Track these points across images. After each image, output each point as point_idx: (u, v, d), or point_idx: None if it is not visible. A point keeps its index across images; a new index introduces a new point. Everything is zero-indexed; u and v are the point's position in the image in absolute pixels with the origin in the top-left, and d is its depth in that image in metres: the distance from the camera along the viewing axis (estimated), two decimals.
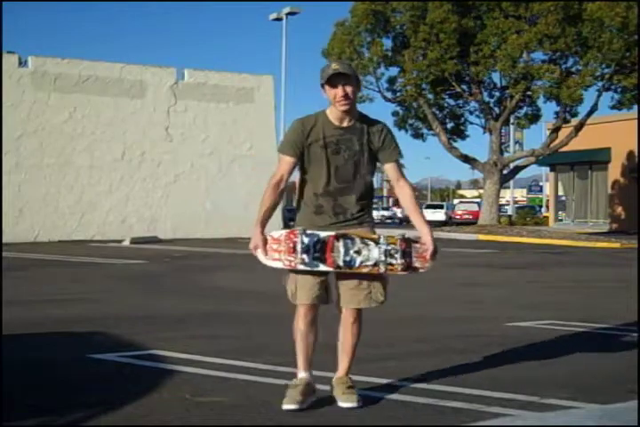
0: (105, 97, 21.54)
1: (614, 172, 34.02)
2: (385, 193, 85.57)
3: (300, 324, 4.13)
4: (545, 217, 42.32)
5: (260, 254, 4.05)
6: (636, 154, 31.54)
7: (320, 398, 4.16)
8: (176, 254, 15.68)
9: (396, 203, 65.30)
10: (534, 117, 28.03)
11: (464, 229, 26.80)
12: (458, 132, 28.93)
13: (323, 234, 4.00)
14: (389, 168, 4.19)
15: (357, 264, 3.97)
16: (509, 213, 46.15)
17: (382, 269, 3.98)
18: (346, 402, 4.05)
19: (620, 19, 22.48)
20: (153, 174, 22.09)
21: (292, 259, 3.95)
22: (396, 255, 3.99)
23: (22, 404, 4.13)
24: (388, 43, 26.53)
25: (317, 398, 4.12)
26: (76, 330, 6.51)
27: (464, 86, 27.00)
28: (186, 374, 4.81)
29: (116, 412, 3.97)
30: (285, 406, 3.98)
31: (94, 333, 6.34)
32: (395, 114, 29.03)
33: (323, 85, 4.06)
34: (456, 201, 61.95)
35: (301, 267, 3.96)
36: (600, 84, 24.95)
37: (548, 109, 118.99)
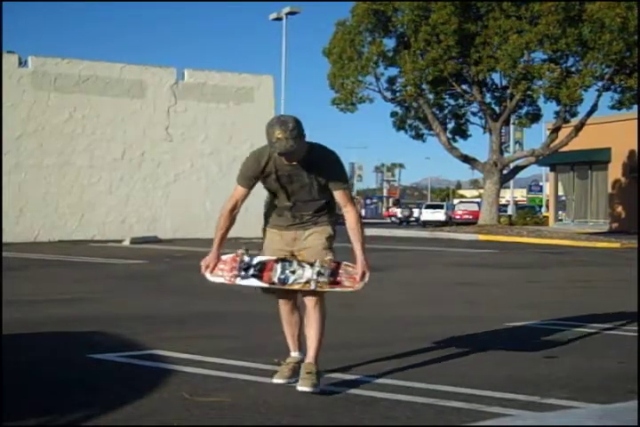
0: (105, 97, 21.52)
1: (614, 172, 34.02)
2: (385, 193, 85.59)
3: (282, 311, 4.70)
4: (545, 217, 42.33)
5: (206, 273, 4.53)
6: (636, 154, 31.55)
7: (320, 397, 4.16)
8: (176, 254, 15.68)
9: (396, 203, 65.32)
10: (534, 117, 28.04)
11: (464, 229, 26.80)
12: (458, 133, 28.94)
13: (265, 258, 4.45)
14: (337, 195, 4.52)
15: (290, 281, 4.30)
16: (509, 213, 46.14)
17: (312, 286, 4.27)
18: (302, 386, 4.32)
19: (620, 19, 22.49)
20: (153, 174, 22.09)
21: (231, 275, 4.40)
22: (324, 273, 4.29)
23: (22, 404, 4.13)
24: (389, 43, 26.58)
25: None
26: (76, 330, 6.51)
27: (464, 86, 27.01)
28: (186, 374, 4.81)
29: (115, 412, 3.97)
30: (274, 380, 4.48)
31: (94, 333, 6.34)
32: (394, 114, 29.05)
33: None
34: (456, 201, 61.94)
35: (238, 280, 4.40)
36: (600, 84, 24.97)
37: (549, 109, 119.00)
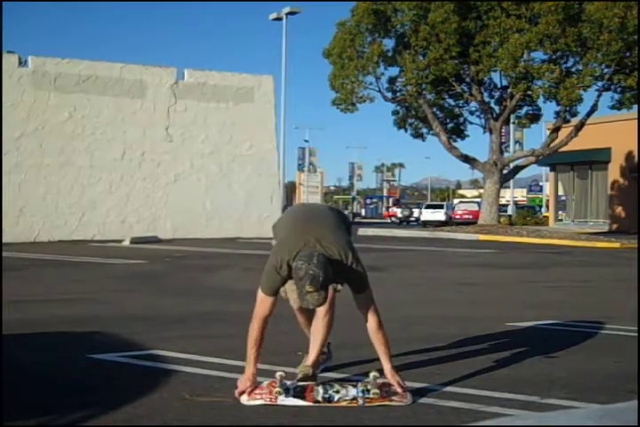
0: (105, 97, 21.54)
1: (614, 172, 34.01)
2: (385, 193, 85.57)
3: (301, 321, 4.78)
4: (545, 217, 42.31)
5: (242, 397, 4.19)
6: (636, 154, 31.54)
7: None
8: (176, 254, 15.67)
9: (396, 203, 65.31)
10: (534, 117, 28.03)
11: (464, 229, 26.78)
12: (458, 132, 28.94)
13: (303, 383, 4.30)
14: (356, 299, 4.34)
15: (336, 399, 4.16)
16: (509, 212, 46.13)
17: (361, 401, 4.13)
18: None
19: (618, 19, 22.49)
20: (153, 174, 22.09)
21: (272, 397, 4.15)
22: (370, 389, 4.14)
23: (22, 404, 4.13)
24: (389, 43, 26.58)
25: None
26: (76, 330, 6.51)
27: (464, 86, 27.00)
28: (186, 374, 4.81)
29: (116, 412, 3.97)
30: (299, 377, 4.44)
31: (94, 333, 6.34)
32: (395, 112, 29.05)
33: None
34: (456, 201, 61.91)
35: (279, 400, 4.13)
36: (600, 84, 24.96)
37: (549, 109, 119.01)
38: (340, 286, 4.47)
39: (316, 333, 4.49)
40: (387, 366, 4.29)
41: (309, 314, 4.63)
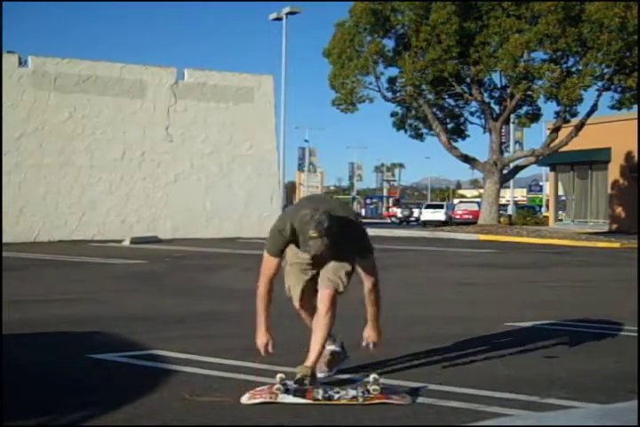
0: (105, 97, 21.53)
1: (614, 172, 34.01)
2: (385, 193, 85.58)
3: (305, 319, 4.80)
4: (545, 217, 42.31)
5: (244, 397, 4.19)
6: (636, 154, 31.54)
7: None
8: (176, 254, 15.68)
9: (396, 203, 65.30)
10: (534, 117, 28.03)
11: (464, 228, 26.79)
12: (458, 132, 28.95)
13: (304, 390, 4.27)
14: (358, 264, 4.56)
15: (336, 398, 4.20)
16: (509, 212, 46.13)
17: (360, 399, 4.18)
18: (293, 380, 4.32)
19: (618, 19, 22.49)
20: (153, 174, 22.09)
21: (272, 395, 4.18)
22: (372, 386, 4.19)
23: (22, 404, 4.13)
24: (388, 43, 26.58)
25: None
26: (76, 330, 6.51)
27: (464, 86, 27.01)
28: (186, 374, 4.81)
29: (116, 412, 3.97)
30: (319, 375, 4.47)
31: (94, 333, 6.34)
32: (394, 114, 29.06)
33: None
34: (456, 201, 61.94)
35: (280, 398, 4.17)
36: (600, 84, 24.97)
37: (549, 109, 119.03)
38: (342, 287, 4.51)
39: (317, 330, 4.50)
40: (370, 324, 4.63)
41: (311, 312, 4.65)
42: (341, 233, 4.31)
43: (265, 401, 4.14)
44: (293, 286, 4.67)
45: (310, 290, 4.66)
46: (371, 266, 4.55)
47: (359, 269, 4.57)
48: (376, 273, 4.57)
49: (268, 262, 4.51)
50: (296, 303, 4.72)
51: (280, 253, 4.51)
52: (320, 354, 4.52)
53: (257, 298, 4.51)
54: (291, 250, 4.60)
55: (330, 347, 4.78)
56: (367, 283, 4.57)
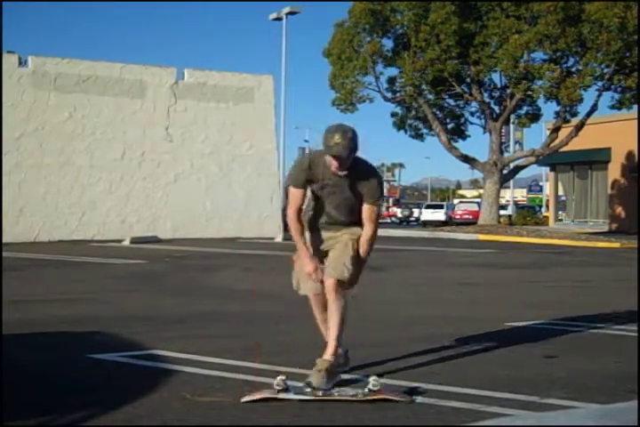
0: (105, 97, 21.53)
1: (614, 172, 34.01)
2: (385, 193, 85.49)
3: (316, 312, 4.79)
4: (545, 217, 42.31)
5: (245, 396, 4.20)
6: (636, 154, 31.54)
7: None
8: (176, 254, 15.67)
9: (396, 203, 65.28)
10: (534, 117, 28.03)
11: (464, 229, 26.79)
12: (458, 132, 28.95)
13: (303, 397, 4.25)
14: (365, 208, 4.75)
15: (336, 395, 4.24)
16: (509, 213, 46.13)
17: (361, 395, 4.20)
18: (308, 379, 4.35)
19: (618, 19, 22.49)
20: (153, 174, 22.09)
21: (274, 393, 4.21)
22: (372, 382, 4.23)
23: (22, 404, 4.13)
24: (388, 43, 26.59)
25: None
26: (76, 330, 6.51)
27: (464, 87, 27.01)
28: (185, 374, 4.81)
29: (116, 412, 3.97)
30: (316, 385, 4.29)
31: (94, 333, 6.34)
32: (394, 114, 29.06)
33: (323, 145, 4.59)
34: (456, 201, 61.91)
35: (281, 395, 4.20)
36: (600, 84, 24.96)
37: (549, 109, 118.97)
38: (347, 272, 4.62)
39: (330, 319, 4.61)
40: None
41: (323, 302, 4.70)
42: (361, 177, 4.63)
43: (265, 397, 4.14)
44: (303, 279, 4.73)
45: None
46: (377, 213, 4.79)
47: (364, 215, 4.73)
48: (378, 222, 4.83)
49: (295, 194, 4.74)
50: (310, 292, 4.74)
51: (302, 185, 4.71)
52: (338, 344, 4.56)
53: (291, 230, 4.73)
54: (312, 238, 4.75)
55: (329, 358, 4.57)
56: (369, 229, 4.74)
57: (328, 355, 4.49)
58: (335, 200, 4.73)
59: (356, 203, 4.74)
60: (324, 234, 4.81)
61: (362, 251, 4.76)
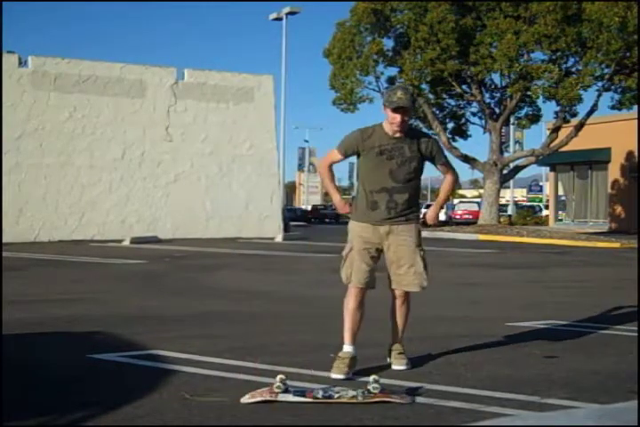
0: (105, 97, 21.53)
1: (614, 172, 34.01)
2: None
3: (351, 303, 4.94)
4: (545, 217, 42.31)
5: (245, 397, 4.19)
6: (636, 154, 31.54)
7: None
8: (176, 254, 15.68)
9: None
10: (534, 117, 28.03)
11: (464, 228, 26.78)
12: (458, 132, 28.94)
13: (302, 388, 4.33)
14: (440, 167, 5.15)
15: (336, 396, 4.23)
16: (509, 212, 46.12)
17: (360, 398, 4.20)
18: (397, 365, 4.97)
19: (618, 19, 22.48)
20: (153, 174, 22.09)
21: (273, 393, 4.19)
22: (372, 385, 4.24)
23: (22, 404, 4.13)
24: (388, 43, 26.59)
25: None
26: (76, 330, 6.52)
27: (464, 86, 27.01)
28: (186, 374, 4.81)
29: (116, 412, 3.97)
30: (334, 376, 4.66)
31: (94, 333, 6.34)
32: None
33: (385, 105, 4.84)
34: (456, 201, 61.90)
35: (280, 397, 4.19)
36: (600, 84, 24.96)
37: (549, 109, 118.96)
38: (426, 281, 5.04)
39: (398, 318, 5.13)
40: (433, 208, 5.33)
41: (360, 300, 4.93)
42: (419, 138, 4.97)
43: (265, 400, 4.14)
44: (357, 270, 4.90)
45: (373, 276, 4.96)
46: (450, 166, 5.20)
47: (442, 170, 5.15)
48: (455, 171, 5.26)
49: (335, 154, 5.06)
50: (359, 285, 4.91)
51: (345, 154, 5.02)
52: (404, 333, 5.16)
53: (323, 177, 5.21)
54: (357, 230, 4.98)
55: (349, 349, 4.89)
56: (450, 177, 5.20)
57: (397, 342, 5.11)
58: (394, 165, 4.88)
59: (416, 164, 4.94)
60: (381, 229, 4.94)
61: (442, 193, 5.36)
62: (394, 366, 4.97)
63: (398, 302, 5.08)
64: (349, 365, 4.72)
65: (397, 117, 4.77)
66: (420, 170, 5.01)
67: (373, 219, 4.94)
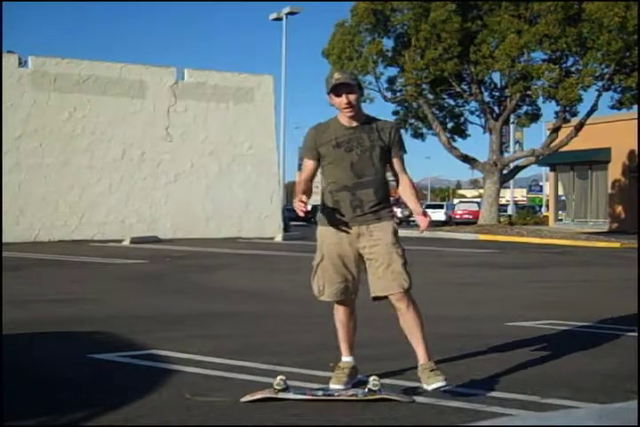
0: (105, 97, 21.53)
1: (614, 172, 34.01)
2: None
3: (340, 315, 4.57)
4: (545, 217, 42.31)
5: (245, 397, 4.18)
6: (636, 154, 31.54)
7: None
8: (176, 254, 15.67)
9: (396, 203, 65.23)
10: (534, 117, 28.03)
11: (464, 228, 26.79)
12: (458, 132, 28.94)
13: (301, 390, 4.29)
14: (395, 162, 4.64)
15: (336, 394, 4.24)
16: (509, 212, 46.13)
17: (360, 396, 4.20)
18: (435, 383, 4.26)
19: (618, 19, 22.48)
20: (153, 174, 22.08)
21: (273, 392, 4.19)
22: (372, 382, 4.22)
23: (22, 404, 4.13)
24: (388, 43, 26.59)
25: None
26: (76, 330, 6.51)
27: (464, 86, 27.00)
28: (186, 374, 4.81)
29: (116, 412, 3.97)
30: (333, 386, 4.37)
31: (94, 333, 6.34)
32: (396, 113, 29.04)
33: (329, 94, 4.46)
34: (456, 201, 61.94)
35: (280, 395, 4.17)
36: (600, 83, 24.95)
37: (549, 109, 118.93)
38: (407, 283, 4.52)
39: (410, 329, 4.49)
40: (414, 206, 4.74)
41: (349, 310, 4.55)
42: (378, 127, 4.51)
43: (265, 397, 4.14)
44: (329, 282, 4.46)
45: (354, 287, 4.51)
46: (403, 166, 4.71)
47: (397, 168, 4.65)
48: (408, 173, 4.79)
49: (306, 165, 4.63)
50: (333, 298, 4.49)
51: (313, 155, 4.55)
52: (427, 344, 4.48)
53: (297, 185, 4.60)
54: (324, 236, 4.50)
55: (348, 359, 4.61)
56: (405, 178, 4.68)
57: (425, 359, 4.44)
58: (354, 157, 4.43)
59: (378, 158, 4.48)
60: (351, 231, 4.43)
61: (412, 204, 4.68)
62: (432, 386, 4.27)
63: (402, 309, 4.46)
64: (349, 374, 4.50)
65: (343, 100, 4.35)
66: (384, 160, 4.53)
67: (340, 221, 4.43)
